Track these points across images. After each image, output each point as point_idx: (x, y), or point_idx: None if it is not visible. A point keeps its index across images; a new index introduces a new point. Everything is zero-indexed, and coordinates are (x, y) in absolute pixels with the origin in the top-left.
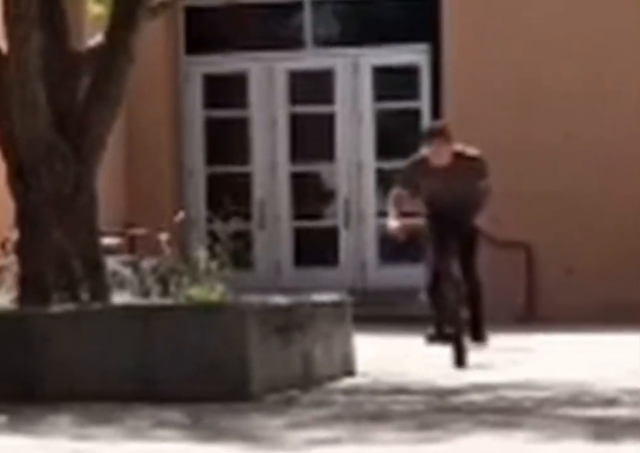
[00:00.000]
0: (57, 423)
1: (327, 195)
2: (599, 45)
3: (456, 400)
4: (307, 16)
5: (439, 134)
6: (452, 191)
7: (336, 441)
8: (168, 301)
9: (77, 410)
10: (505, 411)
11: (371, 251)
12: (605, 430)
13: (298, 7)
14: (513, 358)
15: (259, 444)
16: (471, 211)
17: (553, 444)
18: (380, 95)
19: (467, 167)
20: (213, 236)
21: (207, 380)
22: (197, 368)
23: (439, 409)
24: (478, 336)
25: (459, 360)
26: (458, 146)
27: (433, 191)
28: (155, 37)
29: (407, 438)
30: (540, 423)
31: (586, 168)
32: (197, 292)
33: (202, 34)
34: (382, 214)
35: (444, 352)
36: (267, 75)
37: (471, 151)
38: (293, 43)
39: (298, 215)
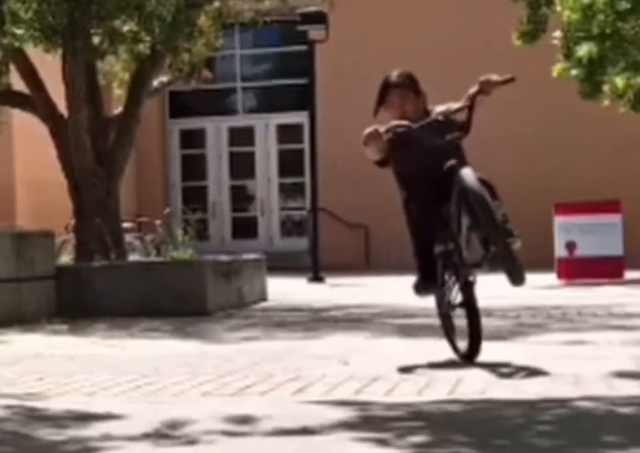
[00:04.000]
0: (96, 329)
1: (250, 198)
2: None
3: (325, 315)
4: (239, 95)
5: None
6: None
7: (255, 338)
8: (160, 259)
9: (107, 321)
10: (352, 320)
11: (275, 229)
12: (409, 331)
13: (234, 90)
14: (359, 291)
15: (211, 340)
16: None
17: (380, 339)
18: (280, 141)
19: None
20: (186, 221)
21: (182, 304)
22: (177, 297)
23: (315, 320)
24: None
25: None
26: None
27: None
28: (152, 107)
29: (296, 336)
30: (373, 327)
31: None
32: (176, 255)
33: (179, 106)
34: (282, 209)
35: (320, 288)
36: (216, 130)
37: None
38: (232, 111)
39: (234, 209)
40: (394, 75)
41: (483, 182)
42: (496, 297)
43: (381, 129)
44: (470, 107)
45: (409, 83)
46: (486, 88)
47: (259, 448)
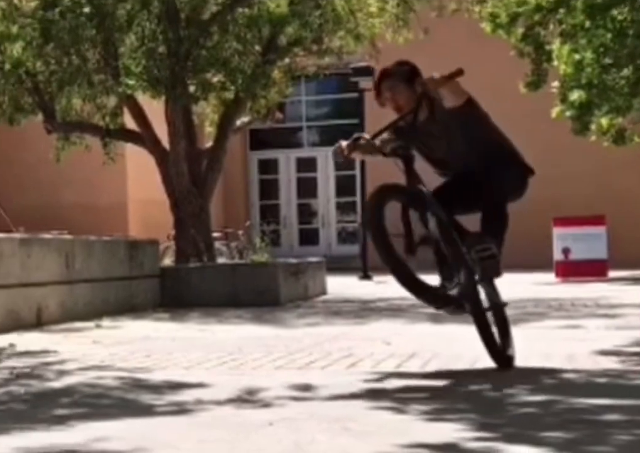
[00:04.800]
0: (192, 316)
1: (313, 213)
2: None
3: (371, 305)
4: (304, 132)
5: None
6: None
7: (317, 323)
8: (242, 262)
9: (201, 311)
10: (393, 310)
11: (333, 238)
12: (438, 318)
13: (300, 128)
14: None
15: (282, 325)
16: None
17: (415, 325)
18: (337, 168)
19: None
20: (262, 232)
21: (260, 297)
22: (256, 291)
23: (363, 309)
24: None
25: None
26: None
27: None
28: (236, 141)
29: (349, 322)
30: (409, 315)
31: None
32: (255, 258)
33: (257, 140)
34: (338, 222)
35: (368, 284)
36: (286, 159)
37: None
38: (299, 144)
39: (301, 222)
40: (389, 65)
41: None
42: (505, 291)
43: (344, 143)
44: (415, 109)
45: (400, 73)
46: (431, 87)
47: (318, 410)
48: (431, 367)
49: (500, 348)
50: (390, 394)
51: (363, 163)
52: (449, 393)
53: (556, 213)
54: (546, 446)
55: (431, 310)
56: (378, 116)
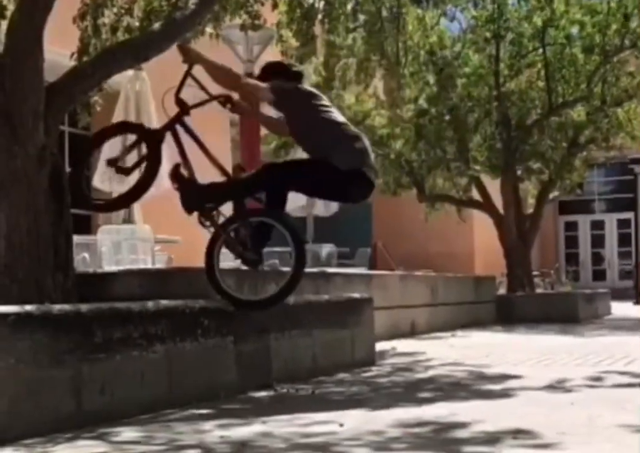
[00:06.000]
0: (518, 329)
1: (602, 259)
2: None
3: None
4: (596, 203)
5: None
6: None
7: (603, 334)
8: (554, 292)
9: (525, 325)
10: None
11: (616, 276)
12: None
13: (593, 200)
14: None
15: (580, 335)
16: None
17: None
18: (618, 227)
19: None
20: (567, 271)
21: (565, 316)
22: (562, 312)
23: (636, 325)
24: None
25: None
26: None
27: None
28: (549, 208)
29: (627, 333)
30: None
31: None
32: (562, 289)
33: (563, 207)
34: (620, 264)
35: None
36: (583, 222)
37: None
38: (592, 211)
39: (594, 264)
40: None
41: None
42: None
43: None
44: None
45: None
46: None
47: (605, 394)
48: None
49: None
50: None
51: (636, 224)
52: None
53: None
54: None
55: None
56: None
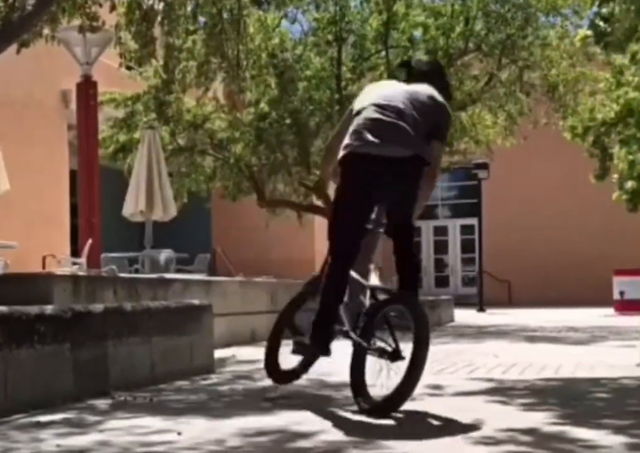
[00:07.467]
0: None
1: (445, 265)
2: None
3: (485, 330)
4: (439, 208)
5: None
6: None
7: (447, 342)
8: None
9: None
10: (500, 333)
11: (459, 283)
12: (532, 339)
13: (436, 206)
14: (504, 317)
15: None
16: None
17: (515, 344)
18: (462, 233)
19: None
20: None
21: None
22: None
23: (480, 332)
24: None
25: None
26: None
27: None
28: None
29: (469, 341)
30: (511, 337)
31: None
32: None
33: None
34: (462, 271)
35: (483, 315)
36: (427, 227)
37: None
38: (435, 216)
39: (436, 271)
40: None
41: None
42: (576, 321)
43: None
44: None
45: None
46: None
47: (448, 403)
48: (527, 373)
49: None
50: (499, 392)
51: (480, 230)
52: (539, 390)
53: (613, 265)
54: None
55: (528, 333)
56: (493, 198)
